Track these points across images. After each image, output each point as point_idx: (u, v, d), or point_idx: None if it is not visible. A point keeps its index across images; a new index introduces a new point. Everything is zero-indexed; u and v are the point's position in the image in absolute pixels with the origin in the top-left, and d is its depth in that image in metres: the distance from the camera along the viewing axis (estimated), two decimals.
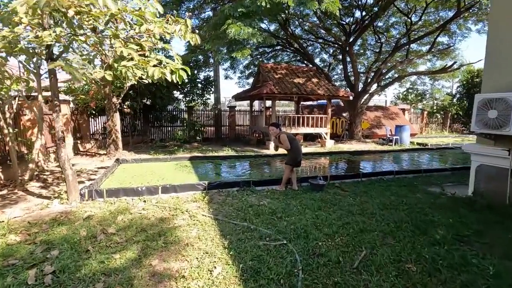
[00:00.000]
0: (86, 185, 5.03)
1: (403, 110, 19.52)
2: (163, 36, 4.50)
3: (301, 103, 18.99)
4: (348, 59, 14.29)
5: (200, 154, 9.76)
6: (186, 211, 4.26)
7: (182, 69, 4.73)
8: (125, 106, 10.08)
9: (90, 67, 4.31)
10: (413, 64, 18.67)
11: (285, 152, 5.74)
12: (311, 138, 15.40)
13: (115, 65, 4.15)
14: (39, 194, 5.17)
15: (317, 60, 21.57)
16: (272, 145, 11.14)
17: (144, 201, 4.69)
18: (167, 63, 4.57)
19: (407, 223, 3.85)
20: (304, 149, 11.21)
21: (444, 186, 5.79)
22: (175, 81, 4.81)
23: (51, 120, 8.28)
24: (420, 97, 21.07)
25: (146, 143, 12.39)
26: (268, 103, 13.36)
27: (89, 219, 3.93)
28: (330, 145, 12.25)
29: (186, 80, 13.44)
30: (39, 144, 5.59)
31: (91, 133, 11.73)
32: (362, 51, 20.48)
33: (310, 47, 21.08)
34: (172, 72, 4.71)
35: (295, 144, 5.50)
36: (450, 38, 16.47)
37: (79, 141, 10.55)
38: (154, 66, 3.96)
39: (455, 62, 13.82)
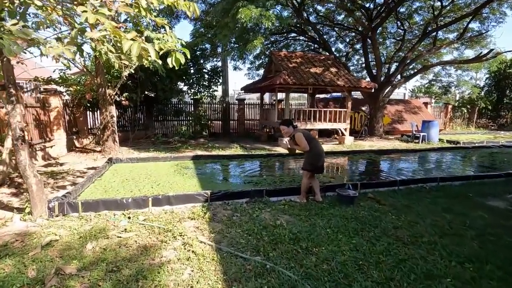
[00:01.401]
0: (57, 196, 4.05)
1: (426, 103, 18.01)
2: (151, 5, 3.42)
3: (316, 96, 17.75)
4: (370, 47, 12.92)
5: (204, 153, 8.74)
6: (180, 235, 3.22)
7: (180, 51, 3.74)
8: (122, 98, 9.11)
9: (57, 44, 3.28)
10: (438, 53, 17.10)
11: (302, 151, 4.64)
12: (326, 134, 14.19)
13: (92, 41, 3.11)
14: (7, 204, 4.23)
15: (332, 50, 20.19)
16: (284, 141, 10.03)
17: (129, 217, 3.69)
18: (157, 39, 3.52)
19: (489, 262, 2.71)
20: None
21: (509, 198, 4.59)
22: (170, 66, 3.82)
23: (38, 113, 7.38)
24: (444, 90, 19.42)
25: (148, 138, 11.47)
26: (281, 95, 12.22)
27: (49, 246, 2.94)
28: (350, 142, 11.04)
29: (192, 71, 12.41)
30: (10, 143, 4.65)
31: (89, 127, 10.87)
32: (381, 39, 18.97)
33: (324, 36, 19.73)
34: (167, 55, 3.75)
35: (314, 144, 4.39)
36: (481, 24, 14.82)
37: (75, 137, 9.68)
38: (133, 40, 2.88)
39: (491, 50, 12.26)
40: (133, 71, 7.97)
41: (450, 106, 19.03)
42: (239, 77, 43.35)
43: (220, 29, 8.19)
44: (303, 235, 3.23)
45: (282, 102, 19.47)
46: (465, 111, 19.47)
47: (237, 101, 14.76)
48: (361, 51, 19.38)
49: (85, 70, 7.46)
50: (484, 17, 14.10)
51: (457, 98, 21.36)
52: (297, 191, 4.62)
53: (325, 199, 4.51)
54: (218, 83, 12.81)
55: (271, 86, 9.83)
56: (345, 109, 11.01)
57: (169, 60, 3.98)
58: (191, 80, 12.00)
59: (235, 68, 17.42)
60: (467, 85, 18.59)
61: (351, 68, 20.46)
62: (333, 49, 20.59)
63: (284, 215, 3.88)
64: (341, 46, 19.81)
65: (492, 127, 19.16)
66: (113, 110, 8.27)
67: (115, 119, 8.37)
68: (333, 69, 10.95)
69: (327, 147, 10.35)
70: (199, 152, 8.76)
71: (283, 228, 3.43)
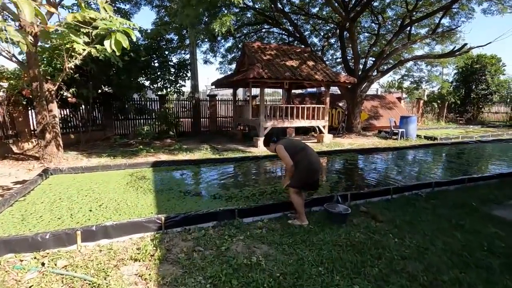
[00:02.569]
0: None
1: (399, 98, 18.03)
2: None
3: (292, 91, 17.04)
4: (347, 41, 12.37)
5: (168, 157, 7.62)
6: None
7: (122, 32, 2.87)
8: (68, 95, 7.69)
9: None
10: (409, 49, 17.10)
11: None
12: (303, 131, 13.55)
13: None
14: None
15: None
16: (260, 142, 9.15)
17: (43, 264, 2.59)
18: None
19: None
20: None
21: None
22: (109, 50, 2.96)
23: None
24: (416, 84, 19.61)
25: (106, 140, 10.06)
26: (255, 91, 11.32)
27: None
28: (329, 140, 10.41)
29: (156, 64, 11.11)
30: None
31: (32, 129, 9.26)
32: (356, 34, 18.67)
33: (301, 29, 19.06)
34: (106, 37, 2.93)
35: (303, 156, 3.49)
36: (452, 19, 14.90)
37: (11, 140, 8.10)
38: None
39: (465, 45, 12.21)
40: (79, 62, 6.66)
41: (421, 101, 19.25)
42: (211, 72, 41.72)
43: (182, 8, 7.09)
44: (288, 281, 2.36)
45: (257, 98, 18.65)
46: (436, 106, 19.83)
47: (208, 97, 13.66)
48: (336, 46, 19.00)
49: (13, 60, 6.04)
50: (455, 13, 14.12)
51: (427, 93, 21.74)
52: (279, 208, 3.75)
53: (311, 216, 3.68)
54: (186, 78, 11.62)
55: (244, 80, 8.88)
56: (323, 105, 10.34)
57: (106, 43, 3.03)
58: (154, 75, 10.70)
59: (205, 61, 16.29)
60: (437, 80, 18.85)
61: (327, 63, 20.05)
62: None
63: (262, 245, 2.99)
64: (315, 40, 19.27)
65: (461, 122, 19.69)
66: (55, 108, 6.90)
67: (57, 119, 7.00)
68: (310, 63, 10.22)
69: None
70: (162, 157, 7.63)
71: (261, 269, 2.53)
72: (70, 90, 7.78)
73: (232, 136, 11.89)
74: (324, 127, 10.40)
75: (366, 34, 18.39)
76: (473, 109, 20.31)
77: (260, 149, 8.99)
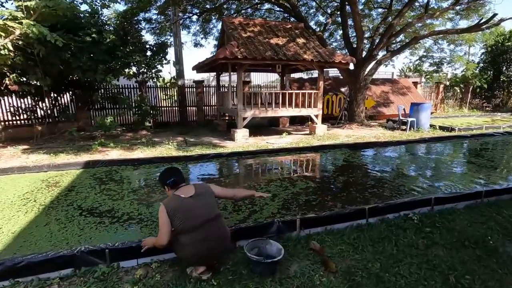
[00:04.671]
0: None
1: (415, 83, 15.95)
2: None
3: (289, 75, 15.45)
4: (349, 14, 10.57)
5: (121, 154, 6.51)
6: None
7: None
8: (7, 82, 6.67)
9: None
10: (430, 26, 14.92)
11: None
12: (300, 120, 12.08)
13: None
14: None
15: (312, 25, 17.78)
16: (238, 134, 7.88)
17: None
18: None
19: None
20: (282, 139, 7.94)
21: None
22: None
23: None
24: (436, 67, 17.35)
25: (70, 133, 9.04)
26: (254, 76, 9.90)
27: None
28: (322, 131, 8.93)
29: (131, 48, 9.89)
30: None
31: None
32: (367, 11, 16.62)
33: (303, 7, 17.23)
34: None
35: (194, 239, 2.13)
36: None
37: None
38: None
39: (494, 15, 10.09)
40: (20, 43, 5.59)
41: (442, 86, 17.03)
42: (205, 55, 40.13)
43: None
44: None
45: (251, 83, 17.15)
46: (458, 91, 17.55)
47: (194, 84, 12.39)
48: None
49: None
50: None
51: (449, 77, 19.36)
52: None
53: (233, 257, 2.40)
54: (164, 62, 10.35)
55: (215, 62, 7.50)
56: (315, 91, 8.80)
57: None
58: (127, 58, 9.50)
59: (196, 44, 14.93)
60: (461, 61, 16.54)
61: (334, 45, 18.13)
62: (312, 22, 18.21)
63: None
64: (322, 18, 17.45)
65: (487, 108, 17.36)
66: None
67: None
68: (300, 40, 8.64)
69: (290, 139, 8.24)
70: (113, 154, 6.51)
71: None
72: (11, 76, 6.74)
73: (216, 126, 10.65)
74: (316, 116, 8.90)
75: (380, 10, 16.30)
76: (502, 94, 17.83)
77: (238, 143, 7.72)
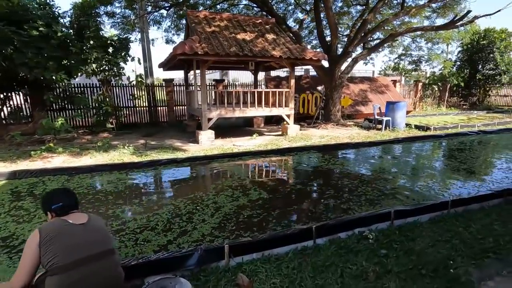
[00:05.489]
0: None
1: (394, 82, 15.80)
2: None
3: (269, 74, 15.00)
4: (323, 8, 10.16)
5: (66, 160, 5.83)
6: None
7: None
8: None
9: None
10: (407, 24, 14.80)
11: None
12: (276, 120, 11.61)
13: None
14: None
15: (290, 22, 17.36)
16: (203, 137, 7.32)
17: None
18: None
19: None
20: (251, 141, 7.40)
21: None
22: None
23: None
24: (415, 65, 17.31)
25: (12, 137, 8.16)
26: (233, 73, 9.32)
27: None
28: (294, 132, 8.49)
29: (92, 43, 9.11)
30: None
31: None
32: (346, 8, 16.37)
33: (281, 4, 16.82)
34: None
35: (57, 263, 1.55)
36: None
37: None
38: None
39: (468, 12, 9.95)
40: None
41: (420, 84, 17.01)
42: None
43: None
44: None
45: (227, 81, 16.59)
46: (436, 89, 17.59)
47: (164, 82, 11.71)
48: (324, 22, 16.72)
49: None
50: None
51: (428, 75, 19.42)
52: None
53: None
54: (128, 59, 9.63)
55: (173, 59, 6.89)
56: (287, 90, 8.34)
57: None
58: (83, 54, 8.72)
59: (168, 41, 14.20)
60: (438, 59, 16.55)
61: (314, 42, 17.76)
62: (291, 19, 17.80)
63: None
64: (301, 16, 17.07)
65: (464, 106, 17.47)
66: None
67: None
68: (270, 36, 8.15)
69: (264, 140, 7.75)
70: (57, 161, 5.82)
71: None
72: None
73: (184, 128, 10.03)
74: (288, 116, 8.44)
75: (359, 7, 16.07)
76: (478, 92, 18.01)
77: (202, 146, 7.16)
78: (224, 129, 10.38)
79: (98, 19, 9.51)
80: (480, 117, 13.18)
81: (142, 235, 2.85)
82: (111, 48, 9.55)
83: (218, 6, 14.48)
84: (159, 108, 11.93)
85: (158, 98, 11.98)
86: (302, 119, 11.62)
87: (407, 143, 7.45)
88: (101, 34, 9.34)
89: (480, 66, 16.89)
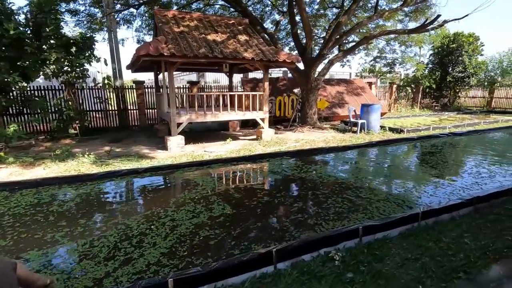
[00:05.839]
0: None
1: (370, 84, 16.01)
2: None
3: (247, 75, 14.74)
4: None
5: (16, 172, 5.25)
6: None
7: None
8: None
9: None
10: (382, 27, 15.09)
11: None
12: (253, 123, 11.34)
13: None
14: None
15: (268, 24, 17.21)
16: (172, 143, 6.93)
17: None
18: None
19: None
20: (224, 147, 7.02)
21: None
22: None
23: None
24: (389, 67, 17.67)
25: None
26: (210, 76, 8.88)
27: None
28: (269, 136, 8.25)
29: (53, 41, 8.44)
30: None
31: None
32: (322, 10, 16.47)
33: (258, 5, 16.66)
34: None
35: None
36: None
37: None
38: None
39: (438, 16, 10.16)
40: None
41: (395, 86, 17.37)
42: None
43: None
44: None
45: (204, 83, 16.16)
46: (410, 91, 18.05)
47: (134, 84, 11.14)
48: (301, 24, 16.70)
49: None
50: None
51: (402, 77, 19.93)
52: None
53: None
54: (93, 59, 9.01)
55: (138, 60, 6.45)
56: (261, 92, 8.10)
57: None
58: (42, 55, 8.04)
59: (139, 41, 13.60)
60: (411, 62, 16.97)
61: (292, 44, 17.68)
62: (269, 20, 17.65)
63: None
64: (278, 17, 16.97)
65: (436, 108, 18.03)
66: None
67: None
68: (242, 37, 7.87)
69: (238, 145, 7.44)
70: (10, 170, 5.24)
71: None
72: None
73: (155, 132, 9.54)
74: (263, 120, 8.20)
75: (335, 10, 16.18)
76: (449, 94, 18.65)
77: (171, 153, 6.76)
78: (197, 133, 9.98)
79: (59, 16, 8.83)
80: (451, 118, 13.58)
81: (80, 265, 2.46)
82: (74, 48, 8.91)
83: (194, 6, 14.09)
84: (130, 111, 11.35)
85: (129, 101, 11.40)
86: (279, 122, 11.44)
87: (381, 146, 7.41)
88: (63, 32, 8.70)
89: (450, 69, 17.47)
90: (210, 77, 21.19)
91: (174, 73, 7.19)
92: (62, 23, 8.90)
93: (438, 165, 5.55)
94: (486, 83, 19.65)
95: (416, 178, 4.73)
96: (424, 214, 3.09)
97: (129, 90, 11.26)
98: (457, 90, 18.45)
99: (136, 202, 3.95)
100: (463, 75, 17.09)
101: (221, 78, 20.18)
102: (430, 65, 18.67)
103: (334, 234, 2.65)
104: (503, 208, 3.48)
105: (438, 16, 10.21)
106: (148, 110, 11.46)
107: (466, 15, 10.17)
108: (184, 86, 12.71)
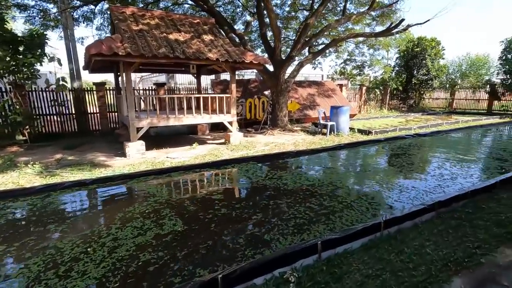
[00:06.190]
0: None
1: (340, 86, 16.26)
2: None
3: (218, 77, 14.37)
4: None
5: None
6: None
7: None
8: None
9: None
10: (351, 31, 15.39)
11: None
12: (223, 127, 10.98)
13: None
14: None
15: (239, 25, 16.94)
16: (131, 149, 6.43)
17: None
18: None
19: None
20: (189, 152, 6.50)
21: None
22: None
23: None
24: (359, 70, 18.10)
25: None
26: (186, 77, 8.36)
27: None
28: (238, 140, 7.96)
29: None
30: None
31: None
32: (293, 13, 16.47)
33: (229, 6, 16.35)
34: None
35: None
36: None
37: None
38: None
39: (402, 20, 10.45)
40: None
41: (364, 88, 17.80)
42: None
43: None
44: None
45: (173, 84, 15.56)
46: (378, 92, 18.59)
47: (94, 86, 10.39)
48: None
49: None
50: None
51: (372, 79, 20.52)
52: None
53: None
54: (44, 59, 8.23)
55: (90, 60, 5.90)
56: (228, 95, 7.79)
57: None
58: None
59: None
60: (379, 65, 17.49)
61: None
62: (240, 21, 17.40)
63: None
64: (249, 18, 16.79)
65: (403, 109, 18.70)
66: None
67: None
68: (207, 37, 7.53)
69: (204, 150, 7.06)
70: None
71: None
72: None
73: (117, 138, 8.91)
74: (231, 123, 7.90)
75: (305, 12, 16.28)
76: (415, 96, 19.44)
77: (129, 161, 6.26)
78: (164, 137, 9.47)
79: (2, 11, 7.99)
80: (416, 119, 14.07)
81: None
82: (22, 46, 8.09)
83: (162, 5, 13.53)
84: (90, 115, 10.57)
85: (89, 104, 10.61)
86: (249, 124, 11.19)
87: (349, 149, 7.38)
88: (8, 28, 7.87)
89: (415, 71, 18.20)
90: (185, 79, 20.48)
91: (143, 74, 6.73)
92: (9, 18, 8.09)
93: (403, 168, 5.55)
94: (447, 85, 20.74)
95: (381, 183, 4.65)
96: (386, 223, 2.94)
97: (89, 92, 10.48)
98: (422, 92, 19.28)
99: (76, 219, 3.48)
100: (426, 77, 17.86)
101: (194, 80, 19.52)
102: (397, 68, 19.37)
103: (290, 252, 2.40)
104: (463, 212, 3.43)
105: (402, 20, 10.52)
106: (111, 114, 10.74)
107: (428, 20, 10.56)
108: (151, 88, 12.10)
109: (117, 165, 5.93)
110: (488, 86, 17.70)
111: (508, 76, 15.79)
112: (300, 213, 3.42)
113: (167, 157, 6.53)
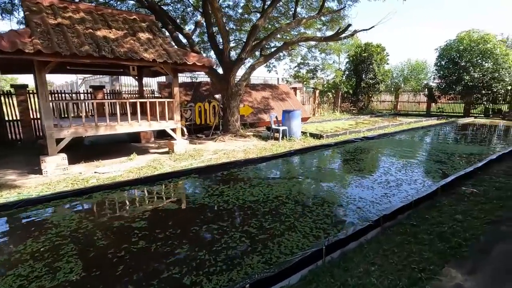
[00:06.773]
0: None
1: (295, 89, 16.33)
2: None
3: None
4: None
5: None
6: None
7: None
8: None
9: None
10: (302, 35, 15.56)
11: None
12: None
13: None
14: None
15: (191, 26, 16.11)
16: (50, 165, 5.42)
17: None
18: None
19: None
20: (124, 165, 5.53)
21: None
22: None
23: None
24: (311, 73, 18.43)
25: None
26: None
27: None
28: (183, 148, 7.28)
29: None
30: None
31: None
32: (246, 16, 16.15)
33: (179, 5, 15.47)
34: None
35: None
36: (339, 3, 13.72)
37: None
38: None
39: (349, 25, 10.69)
40: None
41: (317, 91, 18.17)
42: None
43: None
44: None
45: (117, 87, 14.26)
46: (330, 96, 19.12)
47: (13, 89, 8.89)
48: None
49: None
50: None
51: (324, 83, 21.10)
52: None
53: None
54: None
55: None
56: (170, 99, 7.09)
57: None
58: None
59: None
60: (331, 69, 17.98)
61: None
62: (191, 21, 16.62)
63: None
64: (200, 18, 16.08)
65: (354, 111, 19.47)
66: None
67: None
68: (144, 35, 6.76)
69: (143, 161, 6.25)
70: None
71: None
72: None
73: (40, 149, 7.64)
74: (174, 130, 7.20)
75: (258, 14, 16.05)
76: (364, 98, 20.40)
77: (47, 179, 5.25)
78: (101, 146, 8.41)
79: None
80: (365, 121, 14.62)
81: None
82: None
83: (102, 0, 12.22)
84: (9, 122, 9.02)
85: (9, 109, 9.05)
86: (200, 130, 10.54)
87: (299, 155, 7.16)
88: None
89: (363, 75, 19.07)
90: (132, 80, 18.87)
91: (85, 76, 5.72)
92: None
93: (351, 176, 5.41)
94: (392, 89, 22.16)
95: (329, 194, 4.39)
96: (328, 248, 2.59)
97: (8, 96, 8.93)
98: (370, 95, 20.30)
99: None
100: (374, 81, 18.81)
101: (151, 82, 18.05)
102: (347, 72, 20.14)
103: None
104: (408, 225, 3.26)
105: (349, 25, 10.76)
106: (36, 121, 9.29)
107: (372, 27, 10.92)
108: (87, 91, 10.79)
109: (29, 185, 4.92)
110: (426, 89, 19.21)
111: (442, 80, 17.26)
112: (234, 241, 2.93)
113: (95, 172, 5.64)
